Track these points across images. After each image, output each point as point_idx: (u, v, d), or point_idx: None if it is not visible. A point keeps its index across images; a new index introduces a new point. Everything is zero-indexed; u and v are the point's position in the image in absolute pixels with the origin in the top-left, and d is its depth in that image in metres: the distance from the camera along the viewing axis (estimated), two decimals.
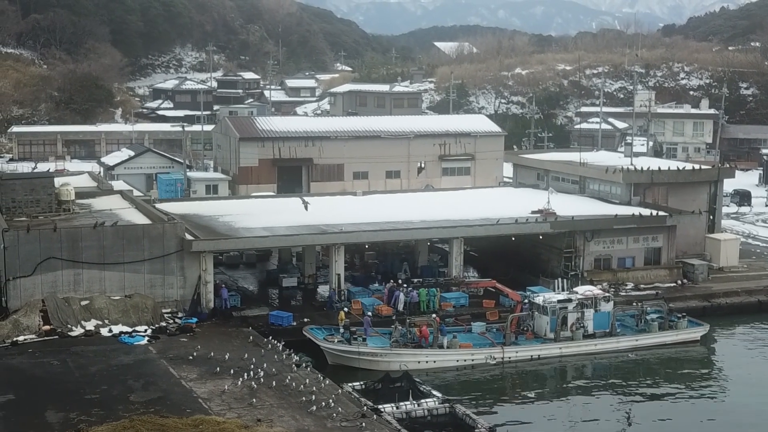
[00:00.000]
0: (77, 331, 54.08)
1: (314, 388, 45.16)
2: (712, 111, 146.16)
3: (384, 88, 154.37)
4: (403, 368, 50.76)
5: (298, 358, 50.88)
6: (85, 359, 49.67)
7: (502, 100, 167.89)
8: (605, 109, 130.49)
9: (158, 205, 69.44)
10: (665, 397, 52.04)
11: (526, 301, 60.04)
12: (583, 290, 60.08)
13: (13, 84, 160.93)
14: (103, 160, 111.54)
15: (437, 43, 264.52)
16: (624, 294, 66.57)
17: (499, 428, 44.40)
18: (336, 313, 58.34)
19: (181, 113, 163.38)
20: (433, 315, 58.67)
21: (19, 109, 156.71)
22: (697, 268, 71.27)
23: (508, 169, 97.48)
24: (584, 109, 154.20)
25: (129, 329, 54.68)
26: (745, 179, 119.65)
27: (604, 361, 57.99)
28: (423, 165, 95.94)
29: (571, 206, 72.49)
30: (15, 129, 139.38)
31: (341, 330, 55.57)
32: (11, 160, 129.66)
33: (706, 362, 60.31)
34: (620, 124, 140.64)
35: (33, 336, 53.09)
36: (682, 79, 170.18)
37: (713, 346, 62.47)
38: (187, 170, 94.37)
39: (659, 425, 48.23)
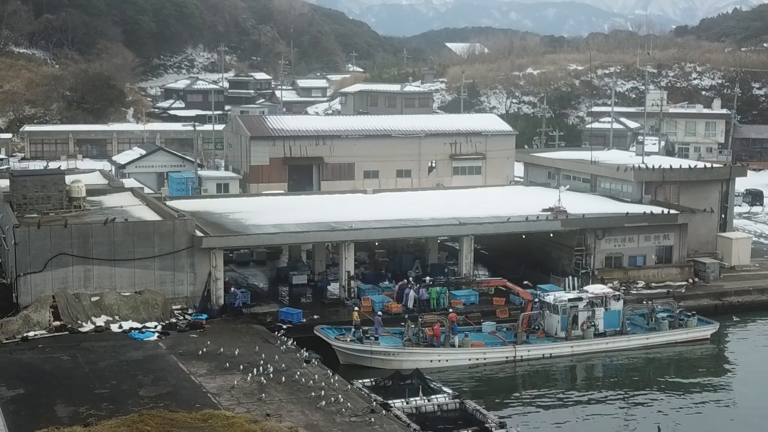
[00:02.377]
0: (87, 327, 54.23)
1: (324, 384, 45.15)
2: (724, 111, 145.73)
3: (395, 88, 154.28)
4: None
5: (307, 354, 50.86)
6: (95, 355, 49.77)
7: (514, 100, 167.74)
8: (617, 109, 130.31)
9: (169, 203, 69.51)
10: (675, 395, 51.80)
11: (536, 300, 59.90)
12: (594, 289, 59.95)
13: (25, 83, 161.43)
14: (114, 158, 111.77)
15: (448, 44, 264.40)
16: (635, 292, 66.40)
17: (510, 424, 44.26)
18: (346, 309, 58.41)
19: (192, 113, 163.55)
20: (451, 309, 58.62)
21: (32, 108, 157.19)
22: (709, 266, 71.02)
23: (519, 169, 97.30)
24: (596, 108, 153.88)
25: (139, 325, 54.83)
26: (757, 179, 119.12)
27: (614, 359, 57.81)
28: (434, 164, 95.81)
29: (582, 204, 72.28)
30: (27, 128, 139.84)
31: (352, 330, 55.57)
32: (23, 159, 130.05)
33: (716, 360, 60.07)
34: (632, 124, 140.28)
35: (43, 332, 53.23)
36: (695, 79, 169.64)
37: (724, 344, 62.25)
38: (198, 169, 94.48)
39: (668, 424, 47.98)
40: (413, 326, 55.24)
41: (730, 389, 53.62)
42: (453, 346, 55.07)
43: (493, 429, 42.73)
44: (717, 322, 61.80)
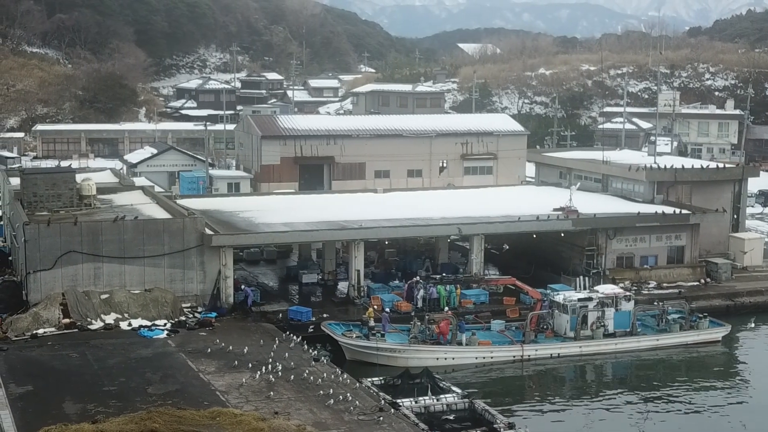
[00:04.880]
0: (97, 325, 54.24)
1: (332, 382, 45.06)
2: (737, 112, 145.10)
3: (407, 88, 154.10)
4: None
5: (316, 352, 50.81)
6: (104, 352, 49.76)
7: (526, 100, 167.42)
8: (629, 109, 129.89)
9: (179, 201, 69.53)
10: (684, 397, 51.46)
11: (545, 299, 59.64)
12: (605, 289, 59.65)
13: (37, 83, 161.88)
14: (126, 157, 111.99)
15: (460, 44, 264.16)
16: (646, 292, 66.08)
17: (519, 424, 44.04)
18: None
19: (204, 113, 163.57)
20: (445, 308, 58.54)
21: (44, 107, 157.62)
22: (721, 267, 70.62)
23: (530, 169, 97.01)
24: (608, 109, 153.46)
25: (148, 323, 54.82)
26: None
27: (624, 360, 57.47)
28: (445, 164, 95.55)
29: (593, 204, 71.99)
30: (39, 127, 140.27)
31: (359, 326, 55.56)
32: (35, 157, 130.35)
33: (727, 362, 59.65)
34: (644, 124, 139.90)
35: (53, 329, 53.28)
36: (707, 79, 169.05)
37: (735, 346, 61.82)
38: (210, 168, 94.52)
39: (678, 425, 47.71)
40: (419, 324, 55.13)
41: (741, 392, 53.15)
42: (460, 344, 54.90)
43: (501, 430, 42.49)
44: (729, 324, 61.33)
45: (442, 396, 46.13)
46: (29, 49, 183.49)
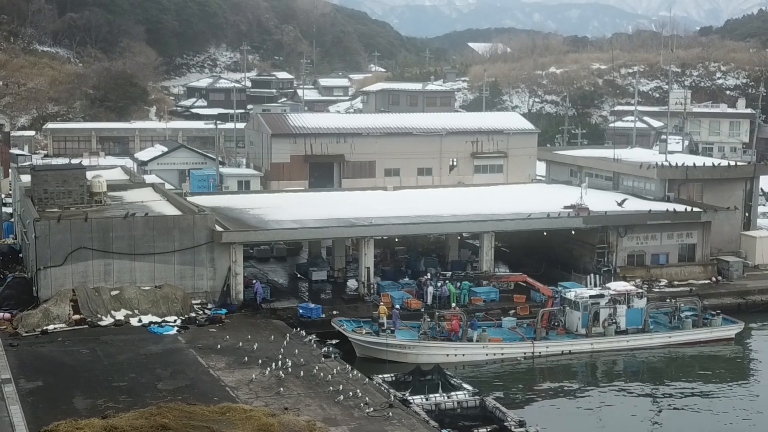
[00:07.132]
0: (107, 321, 54.28)
1: (342, 378, 44.96)
2: (748, 110, 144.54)
3: (417, 86, 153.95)
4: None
5: (327, 348, 50.71)
6: (114, 348, 49.80)
7: (536, 99, 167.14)
8: (640, 108, 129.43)
9: (190, 198, 69.53)
10: (697, 395, 51.18)
11: (556, 296, 59.44)
12: (617, 286, 59.41)
13: (48, 81, 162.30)
14: (136, 155, 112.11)
15: (471, 44, 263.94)
16: (657, 291, 65.78)
17: (529, 422, 43.82)
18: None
19: (214, 111, 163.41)
20: (453, 304, 58.33)
21: (55, 106, 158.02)
22: (732, 265, 70.25)
23: (541, 167, 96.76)
24: (619, 107, 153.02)
25: (158, 319, 54.81)
26: None
27: (636, 357, 57.20)
28: (455, 162, 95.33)
29: (604, 202, 71.73)
30: (50, 126, 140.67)
31: (369, 322, 55.47)
32: (46, 156, 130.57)
33: (740, 360, 59.34)
34: (655, 123, 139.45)
35: (63, 325, 53.31)
36: (719, 78, 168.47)
37: (748, 344, 61.47)
38: (220, 166, 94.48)
39: (690, 423, 47.43)
40: (429, 320, 54.97)
41: (754, 390, 52.77)
42: (470, 340, 54.74)
43: (512, 427, 42.33)
44: (742, 322, 61.01)
45: (452, 393, 45.95)
46: (40, 48, 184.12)
